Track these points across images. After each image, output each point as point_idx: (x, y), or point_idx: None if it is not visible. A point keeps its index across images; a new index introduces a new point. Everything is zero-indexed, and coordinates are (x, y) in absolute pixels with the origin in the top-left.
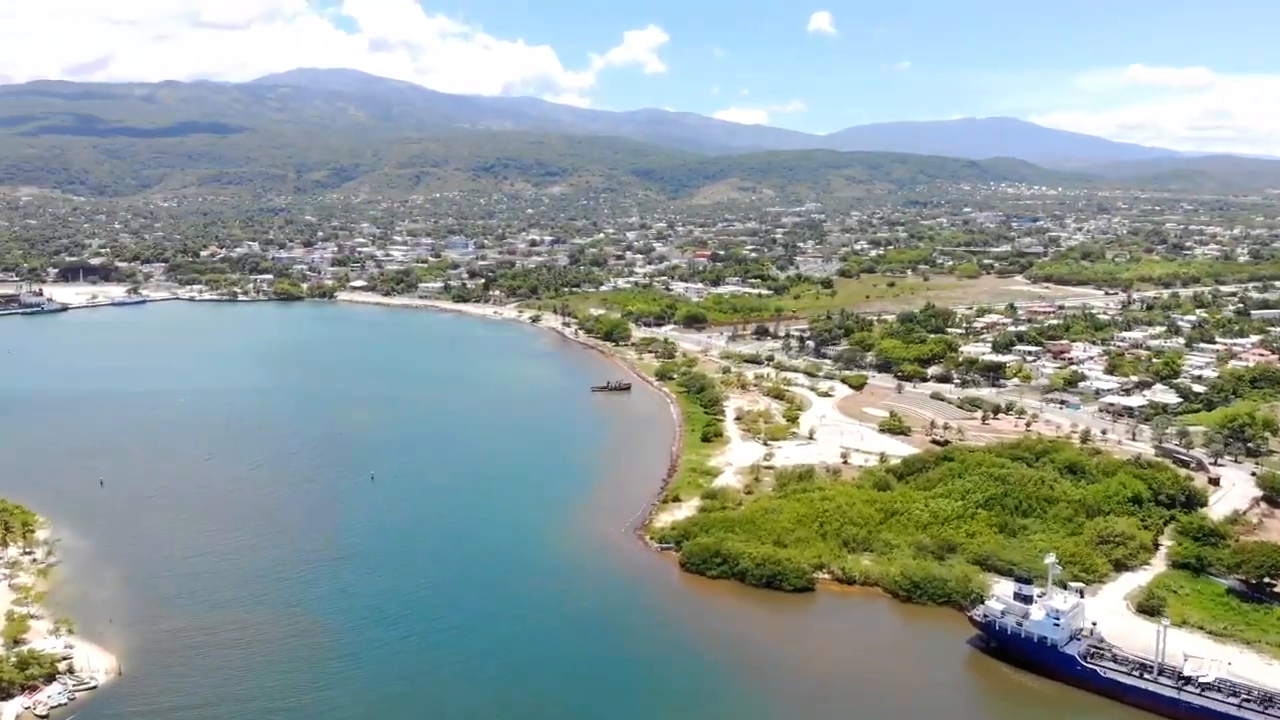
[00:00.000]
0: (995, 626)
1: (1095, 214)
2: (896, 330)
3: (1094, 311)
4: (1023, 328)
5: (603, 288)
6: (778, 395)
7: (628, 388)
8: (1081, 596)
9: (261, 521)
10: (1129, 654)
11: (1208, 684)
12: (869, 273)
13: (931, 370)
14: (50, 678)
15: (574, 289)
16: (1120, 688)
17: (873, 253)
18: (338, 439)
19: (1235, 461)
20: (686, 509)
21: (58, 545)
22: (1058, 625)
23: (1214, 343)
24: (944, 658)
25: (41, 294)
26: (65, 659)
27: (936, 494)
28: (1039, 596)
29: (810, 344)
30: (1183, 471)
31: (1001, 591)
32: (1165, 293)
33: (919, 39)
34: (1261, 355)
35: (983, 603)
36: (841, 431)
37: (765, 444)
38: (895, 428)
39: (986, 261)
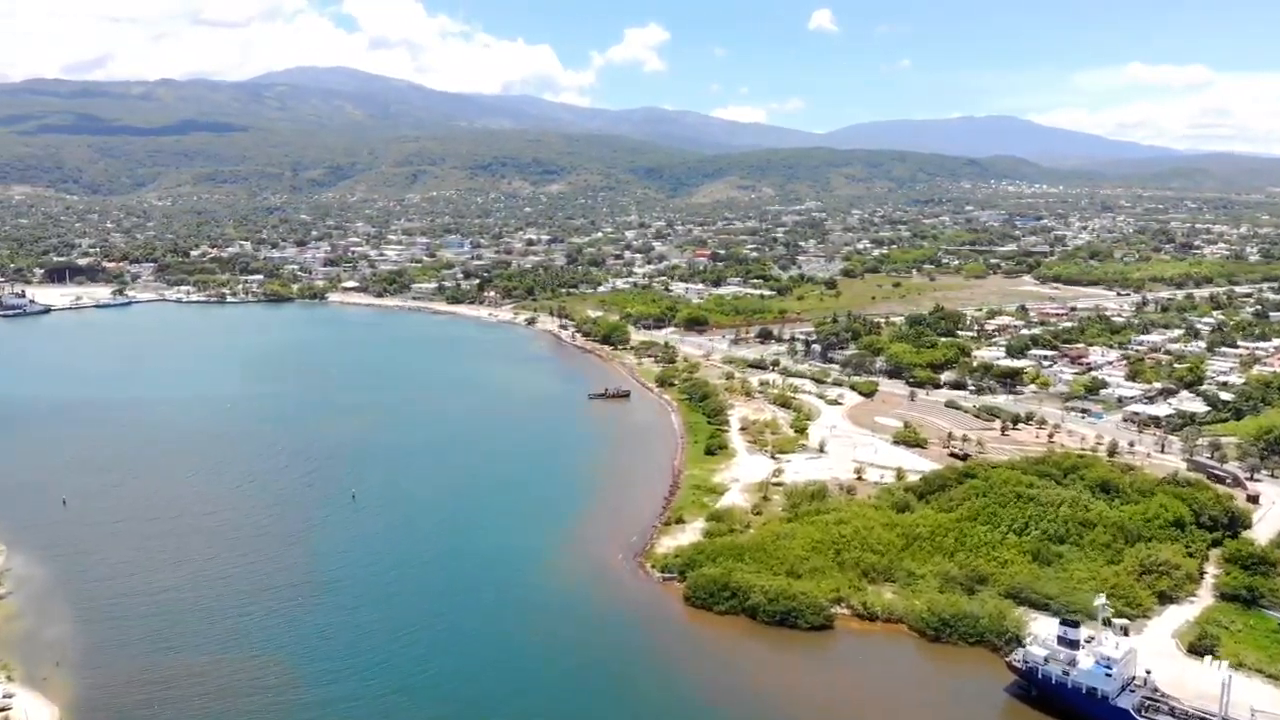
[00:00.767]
0: (1038, 674)
1: (1099, 213)
2: (906, 333)
3: (1108, 313)
4: (1036, 330)
5: (601, 288)
6: (784, 403)
7: (627, 395)
8: (1125, 634)
9: (237, 549)
10: (1189, 706)
11: None
12: (873, 272)
13: (944, 376)
14: None
15: (571, 290)
16: None
17: (876, 252)
18: (322, 452)
19: (1272, 476)
20: (690, 532)
21: (7, 575)
22: (1109, 675)
23: (1235, 346)
24: (979, 709)
25: (24, 295)
26: (2, 710)
27: (961, 516)
28: (1086, 641)
29: (816, 348)
30: (1221, 489)
31: (1041, 631)
32: (1179, 294)
33: (919, 38)
34: None
35: (1020, 644)
36: (854, 444)
37: (773, 457)
38: (911, 440)
39: (993, 261)
